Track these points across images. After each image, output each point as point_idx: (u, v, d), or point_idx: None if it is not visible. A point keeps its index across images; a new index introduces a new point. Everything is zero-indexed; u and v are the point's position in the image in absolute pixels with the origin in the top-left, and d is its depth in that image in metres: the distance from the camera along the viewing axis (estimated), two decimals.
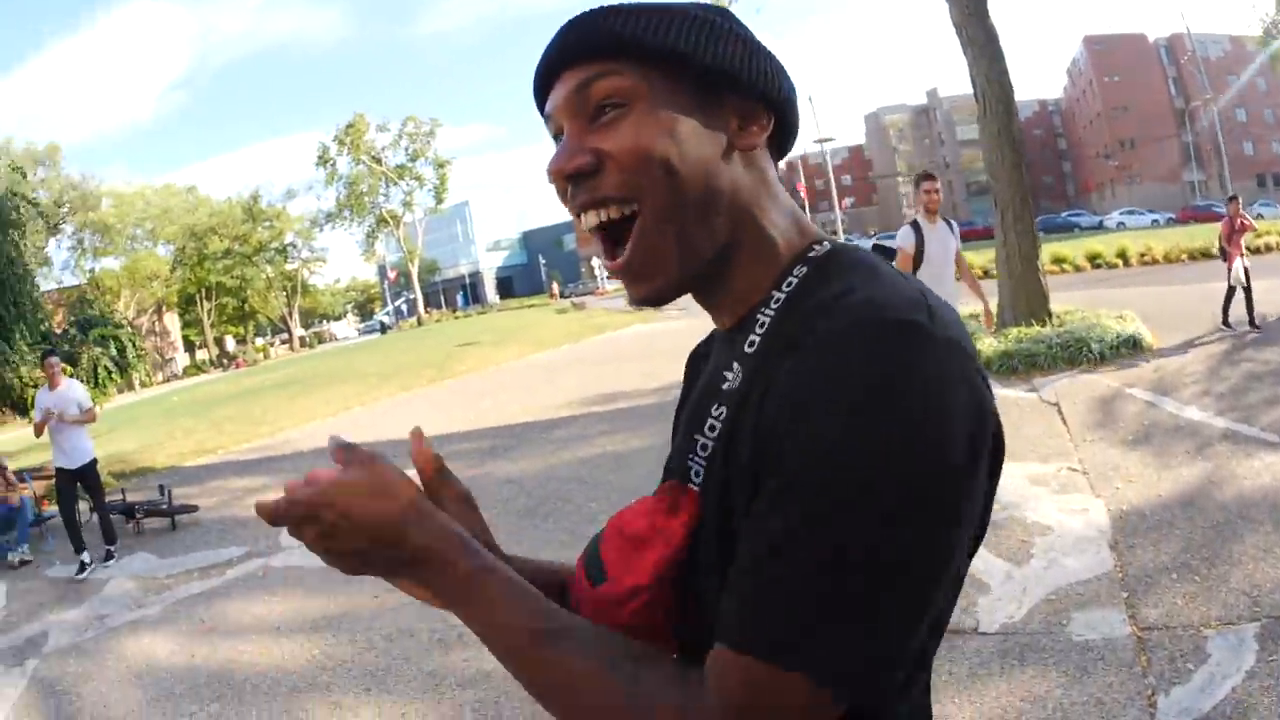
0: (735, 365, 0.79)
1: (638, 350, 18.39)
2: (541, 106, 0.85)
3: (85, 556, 7.60)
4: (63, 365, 13.60)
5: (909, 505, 0.61)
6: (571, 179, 0.79)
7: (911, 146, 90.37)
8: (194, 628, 6.03)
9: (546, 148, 0.85)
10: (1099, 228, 49.11)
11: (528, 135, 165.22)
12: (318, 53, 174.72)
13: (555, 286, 55.55)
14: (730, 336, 0.83)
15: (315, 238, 67.44)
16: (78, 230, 55.75)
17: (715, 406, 0.80)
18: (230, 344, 70.37)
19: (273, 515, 0.75)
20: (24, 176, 15.73)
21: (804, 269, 0.79)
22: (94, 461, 8.10)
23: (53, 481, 8.78)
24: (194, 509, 9.15)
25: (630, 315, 27.85)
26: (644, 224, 0.77)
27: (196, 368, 61.91)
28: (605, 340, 21.94)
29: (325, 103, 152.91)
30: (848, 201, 78.96)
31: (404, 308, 73.83)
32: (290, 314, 69.09)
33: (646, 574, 0.77)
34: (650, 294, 0.81)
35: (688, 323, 20.39)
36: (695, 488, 0.80)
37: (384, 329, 61.99)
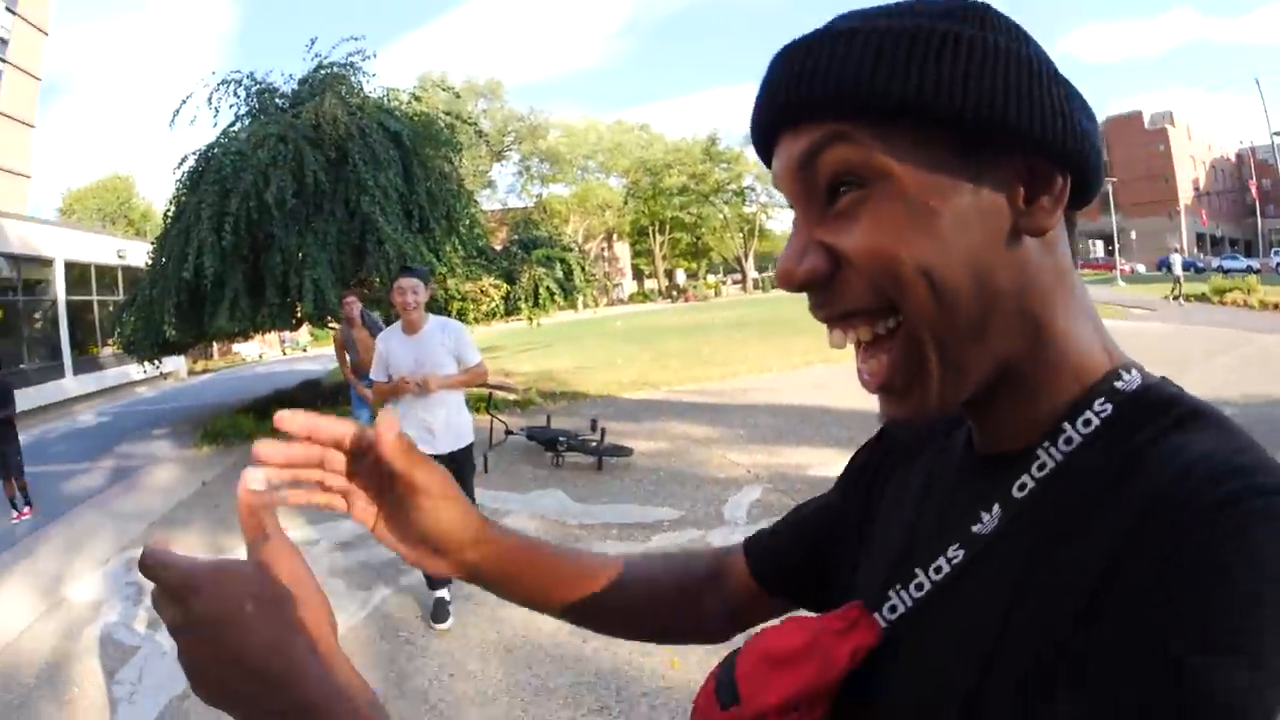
0: (995, 507, 0.62)
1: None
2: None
3: (445, 593, 4.98)
4: (488, 286, 13.82)
5: None
6: (804, 288, 0.62)
7: None
8: None
9: None
10: None
11: None
12: (758, 7, 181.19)
13: None
14: (983, 463, 0.67)
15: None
16: (524, 158, 63.69)
17: (953, 546, 0.64)
18: (680, 277, 75.15)
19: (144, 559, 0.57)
20: (457, 96, 17.15)
21: (1107, 405, 0.61)
22: (470, 446, 5.17)
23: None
24: (627, 452, 8.54)
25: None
26: (905, 340, 0.60)
27: (644, 295, 66.95)
28: None
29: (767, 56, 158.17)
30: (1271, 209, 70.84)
31: None
32: (745, 255, 72.29)
33: (779, 693, 0.67)
34: (904, 416, 0.64)
35: (1159, 325, 18.65)
36: (882, 622, 0.68)
37: None
